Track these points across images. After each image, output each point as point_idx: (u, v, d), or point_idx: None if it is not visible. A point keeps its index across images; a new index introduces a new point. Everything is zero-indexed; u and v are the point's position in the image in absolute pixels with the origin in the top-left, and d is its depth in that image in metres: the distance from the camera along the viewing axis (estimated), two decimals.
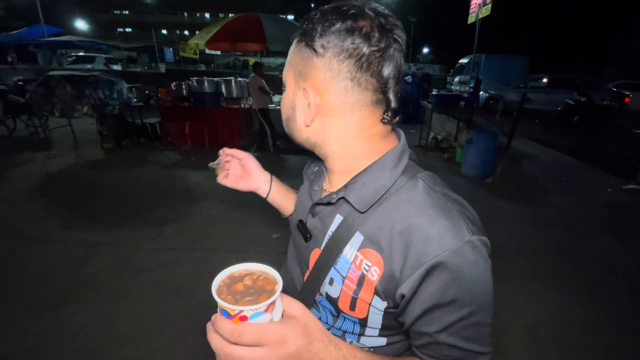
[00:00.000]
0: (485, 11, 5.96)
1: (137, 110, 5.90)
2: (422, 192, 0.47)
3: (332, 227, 0.52)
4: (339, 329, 0.54)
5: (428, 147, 5.96)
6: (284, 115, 0.55)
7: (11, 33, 13.91)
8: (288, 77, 0.52)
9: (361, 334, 0.53)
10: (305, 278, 0.57)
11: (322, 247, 0.53)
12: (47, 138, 5.55)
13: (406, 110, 8.73)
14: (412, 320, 0.45)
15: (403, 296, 0.44)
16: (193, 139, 5.49)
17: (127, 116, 5.75)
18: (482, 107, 8.86)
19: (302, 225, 0.58)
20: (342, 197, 0.51)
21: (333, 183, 0.56)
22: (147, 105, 5.82)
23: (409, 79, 8.95)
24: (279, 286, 0.38)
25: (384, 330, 0.51)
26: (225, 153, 0.77)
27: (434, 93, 6.20)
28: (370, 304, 0.48)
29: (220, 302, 0.37)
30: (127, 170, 4.42)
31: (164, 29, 44.04)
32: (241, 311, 0.35)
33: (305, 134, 0.53)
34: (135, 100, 5.84)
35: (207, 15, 48.22)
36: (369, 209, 0.48)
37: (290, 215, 0.76)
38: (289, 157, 5.16)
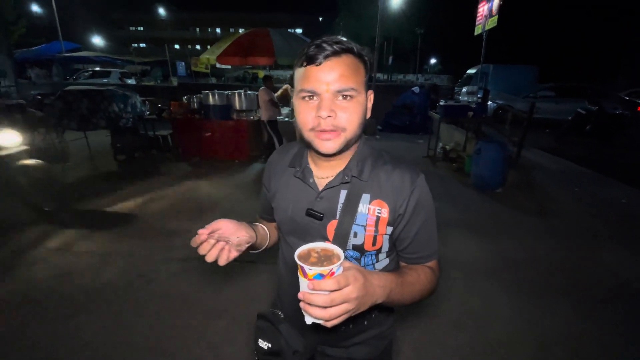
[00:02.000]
0: (492, 23, 6.00)
1: (150, 122, 6.07)
2: (384, 156, 0.75)
3: (341, 200, 0.72)
4: (362, 265, 0.75)
5: (436, 157, 5.93)
6: (358, 122, 0.67)
7: (31, 49, 14.52)
8: (359, 86, 0.65)
9: (376, 262, 0.77)
10: None
11: (337, 217, 0.71)
12: (63, 150, 5.72)
13: (414, 120, 8.75)
14: (403, 225, 0.72)
15: (400, 215, 0.71)
16: (203, 151, 5.60)
17: (140, 128, 5.91)
18: (491, 117, 8.82)
19: (312, 210, 0.73)
20: (354, 176, 0.71)
21: (323, 171, 0.75)
22: (160, 118, 5.98)
23: (416, 89, 8.99)
24: (339, 250, 0.57)
25: (389, 252, 0.77)
26: (204, 233, 0.67)
27: (441, 104, 6.21)
28: (385, 234, 0.72)
29: (318, 269, 0.51)
30: (139, 182, 4.52)
31: (176, 44, 45.39)
32: (332, 270, 0.52)
33: (361, 129, 0.70)
34: (148, 113, 6.01)
35: (218, 30, 49.63)
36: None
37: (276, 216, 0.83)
38: None
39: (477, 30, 6.81)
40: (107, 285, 2.36)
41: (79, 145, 5.93)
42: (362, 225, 0.71)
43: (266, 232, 0.84)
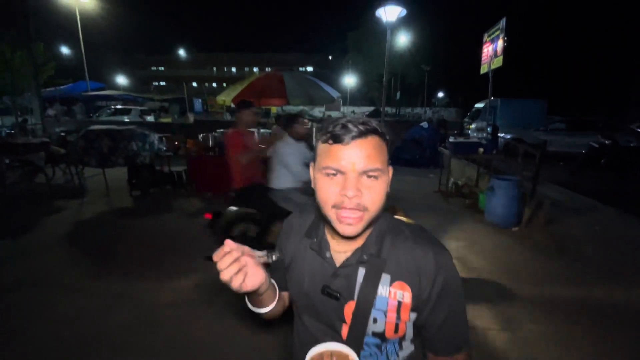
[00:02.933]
0: (497, 62, 6.18)
1: (166, 159, 6.27)
2: (404, 230, 0.70)
3: (359, 279, 0.67)
4: (384, 353, 0.70)
5: (449, 193, 5.87)
6: (382, 201, 0.64)
7: (58, 88, 15.50)
8: (384, 166, 0.64)
9: (400, 350, 0.71)
10: (345, 330, 0.69)
11: (355, 298, 0.67)
12: (81, 186, 5.91)
13: (424, 154, 8.79)
14: (428, 312, 0.66)
15: (424, 300, 0.65)
16: (217, 187, 5.69)
17: (156, 164, 6.09)
18: (502, 150, 8.80)
19: (329, 288, 0.68)
20: (372, 254, 0.67)
21: (341, 245, 0.70)
22: (176, 154, 6.18)
23: (424, 124, 9.13)
24: (355, 356, 0.55)
25: (414, 339, 0.71)
26: (230, 245, 0.61)
27: (451, 140, 6.25)
28: (408, 321, 0.67)
29: None
30: (152, 219, 4.58)
31: (194, 81, 47.93)
32: None
33: (383, 208, 0.66)
34: (164, 149, 6.23)
35: (233, 69, 52.43)
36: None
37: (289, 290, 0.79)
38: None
39: (483, 70, 7.01)
40: (113, 330, 2.31)
41: (97, 181, 6.12)
42: (382, 311, 0.66)
43: (277, 290, 0.75)
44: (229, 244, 0.60)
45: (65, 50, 29.73)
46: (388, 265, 0.67)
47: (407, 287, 0.66)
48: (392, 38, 9.11)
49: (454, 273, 0.68)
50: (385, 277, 0.66)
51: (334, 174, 0.62)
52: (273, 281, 0.74)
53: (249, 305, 0.74)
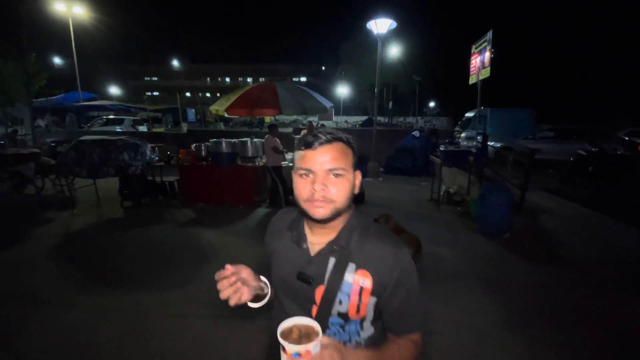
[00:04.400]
0: (485, 73, 6.33)
1: (158, 169, 6.23)
2: (371, 228, 0.82)
3: (329, 267, 0.78)
4: (347, 332, 0.80)
5: (440, 201, 5.93)
6: (346, 195, 0.76)
7: (50, 98, 15.37)
8: (347, 167, 0.76)
9: (361, 330, 0.81)
10: (314, 310, 0.79)
11: (325, 283, 0.77)
12: (71, 197, 5.83)
13: (416, 163, 8.88)
14: (387, 297, 0.77)
15: (384, 287, 0.76)
16: (208, 196, 5.67)
17: (148, 174, 6.05)
18: (492, 158, 8.93)
19: (303, 274, 0.79)
20: (342, 246, 0.78)
21: (317, 238, 0.81)
22: (168, 164, 6.15)
23: (416, 133, 9.24)
24: (319, 328, 0.61)
25: (374, 321, 0.81)
26: (230, 270, 0.72)
27: (441, 148, 6.34)
28: (368, 304, 0.78)
29: (296, 348, 0.56)
30: (143, 230, 4.53)
31: (187, 92, 47.95)
32: (309, 350, 0.56)
33: (349, 202, 0.78)
34: (157, 159, 6.19)
35: (227, 79, 52.65)
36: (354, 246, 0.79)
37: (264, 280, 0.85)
38: None
39: (472, 80, 7.16)
40: (103, 344, 2.26)
41: (88, 192, 6.05)
42: (346, 294, 0.77)
43: (268, 286, 0.85)
44: (228, 268, 0.72)
45: (57, 60, 29.61)
46: (354, 255, 0.78)
47: (369, 275, 0.77)
48: (384, 49, 9.29)
49: (410, 266, 0.79)
50: (351, 266, 0.78)
51: (307, 174, 0.75)
52: (264, 279, 0.84)
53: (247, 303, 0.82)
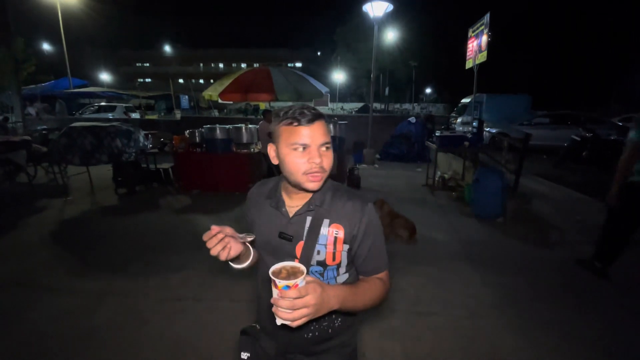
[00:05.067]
0: (482, 57, 6.26)
1: (152, 156, 6.17)
2: (341, 189, 0.94)
3: (307, 225, 0.89)
4: (325, 278, 0.91)
5: (435, 186, 5.96)
6: (331, 165, 0.86)
7: (39, 85, 15.03)
8: (330, 140, 0.86)
9: (337, 275, 0.93)
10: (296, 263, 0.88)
11: (304, 239, 0.88)
12: (64, 184, 5.78)
13: (412, 149, 8.88)
14: (357, 244, 0.89)
15: (354, 236, 0.89)
16: (204, 183, 5.64)
17: (142, 162, 5.99)
18: (488, 145, 8.95)
19: (284, 233, 0.90)
20: (317, 205, 0.89)
21: (294, 201, 0.92)
22: (162, 151, 6.08)
23: (412, 119, 9.20)
24: (303, 267, 0.71)
25: (347, 266, 0.93)
26: (216, 229, 0.82)
27: (437, 134, 6.33)
28: (342, 251, 0.89)
29: (285, 282, 0.66)
30: (138, 216, 4.52)
31: (180, 78, 47.05)
32: (297, 283, 0.66)
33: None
34: (150, 146, 6.12)
35: (221, 65, 51.66)
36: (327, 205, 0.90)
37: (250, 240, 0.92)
38: None
39: (469, 64, 7.10)
40: (100, 327, 2.28)
41: (81, 179, 5.99)
42: (323, 244, 0.88)
43: (251, 249, 0.94)
44: (214, 228, 0.80)
45: (46, 46, 28.80)
46: (328, 212, 0.89)
47: (341, 227, 0.89)
48: (380, 34, 9.14)
49: (375, 217, 0.92)
50: (326, 221, 0.89)
51: (303, 148, 0.82)
52: (248, 244, 0.94)
53: (231, 264, 0.92)
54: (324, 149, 0.83)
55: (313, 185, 0.84)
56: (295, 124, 0.82)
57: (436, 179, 6.06)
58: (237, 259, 0.89)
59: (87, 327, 2.29)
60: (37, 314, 2.42)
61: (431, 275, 2.98)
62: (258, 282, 1.02)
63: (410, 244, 3.59)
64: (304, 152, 0.82)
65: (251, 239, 0.86)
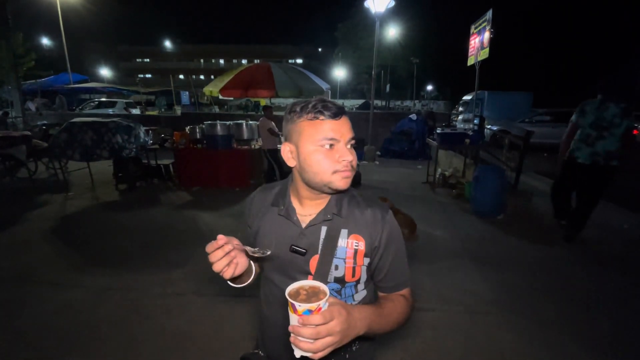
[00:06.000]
0: (484, 54, 6.23)
1: (153, 152, 6.17)
2: (356, 196, 0.85)
3: (322, 236, 0.79)
4: (342, 296, 0.82)
5: (436, 183, 5.96)
6: (356, 162, 0.79)
7: (39, 80, 14.98)
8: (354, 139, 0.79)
9: (355, 293, 0.84)
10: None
11: (319, 252, 0.78)
12: (65, 180, 5.78)
13: (412, 146, 8.87)
14: (378, 258, 0.81)
15: (375, 248, 0.80)
16: (205, 179, 5.65)
17: (143, 158, 5.99)
18: (489, 142, 8.93)
19: (295, 246, 0.79)
20: (334, 214, 0.80)
21: (306, 209, 0.82)
22: (163, 147, 6.08)
23: (413, 117, 9.18)
24: (325, 287, 0.62)
25: (366, 282, 0.85)
26: (222, 239, 0.69)
27: (438, 131, 6.32)
28: (362, 265, 0.81)
29: (307, 306, 0.57)
30: (139, 212, 4.53)
31: (181, 74, 46.88)
32: (320, 306, 0.57)
33: None
34: (151, 142, 6.12)
35: (221, 61, 51.45)
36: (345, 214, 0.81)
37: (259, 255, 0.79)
38: None
39: (470, 61, 7.06)
40: (102, 322, 2.30)
41: (82, 175, 6.00)
42: (342, 258, 0.79)
43: (252, 265, 0.84)
44: (221, 238, 0.68)
45: (46, 41, 28.67)
46: (346, 222, 0.80)
47: (361, 238, 0.80)
48: (382, 30, 9.09)
49: (396, 227, 0.84)
50: (344, 232, 0.79)
51: (332, 145, 0.73)
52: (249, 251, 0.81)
53: (229, 283, 0.79)
54: (349, 146, 0.76)
55: (344, 183, 0.75)
56: (322, 118, 0.73)
57: (437, 176, 6.06)
58: (239, 276, 0.77)
59: (88, 321, 2.30)
60: (37, 308, 2.44)
61: (430, 271, 3.00)
62: (262, 301, 0.92)
63: (410, 240, 3.60)
64: (332, 150, 0.73)
65: (268, 253, 0.72)
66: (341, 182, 0.74)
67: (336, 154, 0.73)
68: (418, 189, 5.82)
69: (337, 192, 0.79)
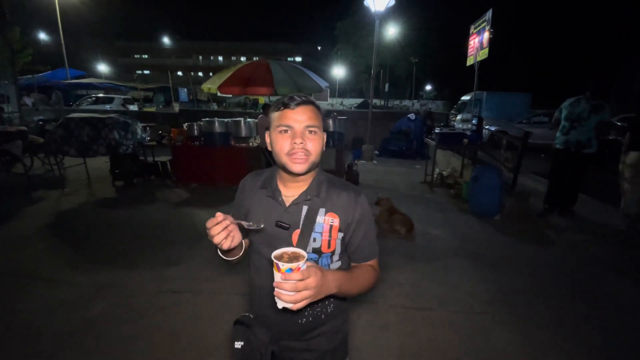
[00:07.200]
0: (483, 55, 6.23)
1: (150, 148, 6.13)
2: (335, 181, 0.99)
3: (303, 213, 0.92)
4: (320, 265, 0.89)
5: (434, 183, 5.96)
6: (319, 150, 0.89)
7: (36, 76, 14.85)
8: (319, 126, 0.89)
9: (331, 263, 0.96)
10: None
11: (300, 227, 0.91)
12: (61, 176, 5.74)
13: (411, 146, 8.87)
14: (351, 233, 0.94)
15: (348, 225, 0.93)
16: (202, 177, 5.62)
17: (140, 154, 5.96)
18: (487, 143, 8.94)
19: (281, 222, 0.92)
20: (314, 195, 0.92)
21: (290, 191, 0.94)
22: (160, 144, 6.05)
23: (412, 116, 9.19)
24: (304, 252, 0.73)
25: (341, 254, 0.97)
26: (220, 215, 0.80)
27: (436, 131, 6.32)
28: (337, 239, 0.93)
29: (289, 265, 0.67)
30: (136, 209, 4.50)
31: (179, 71, 46.65)
32: (299, 266, 0.68)
33: (320, 157, 0.91)
34: (148, 139, 6.08)
35: (220, 58, 51.24)
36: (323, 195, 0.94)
37: (251, 230, 0.91)
38: None
39: (470, 62, 7.06)
40: (96, 319, 2.28)
41: (78, 171, 5.96)
42: (319, 232, 0.92)
43: (243, 242, 0.96)
44: (219, 215, 0.79)
45: (43, 36, 28.42)
46: (324, 202, 0.93)
47: (336, 216, 0.93)
48: (381, 29, 9.08)
49: (368, 208, 0.98)
50: (322, 210, 0.93)
51: (286, 130, 0.86)
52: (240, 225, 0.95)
53: (222, 256, 0.94)
54: (308, 132, 0.86)
55: (297, 168, 0.86)
56: (283, 108, 0.86)
57: (434, 176, 6.07)
58: (231, 250, 0.89)
59: (83, 318, 2.29)
60: (32, 305, 2.42)
61: (428, 271, 3.00)
62: (251, 272, 1.04)
63: (407, 240, 3.60)
64: (288, 134, 0.86)
65: (262, 227, 0.86)
66: (294, 165, 0.86)
67: (290, 139, 0.85)
68: (416, 189, 5.82)
69: (298, 175, 0.89)
